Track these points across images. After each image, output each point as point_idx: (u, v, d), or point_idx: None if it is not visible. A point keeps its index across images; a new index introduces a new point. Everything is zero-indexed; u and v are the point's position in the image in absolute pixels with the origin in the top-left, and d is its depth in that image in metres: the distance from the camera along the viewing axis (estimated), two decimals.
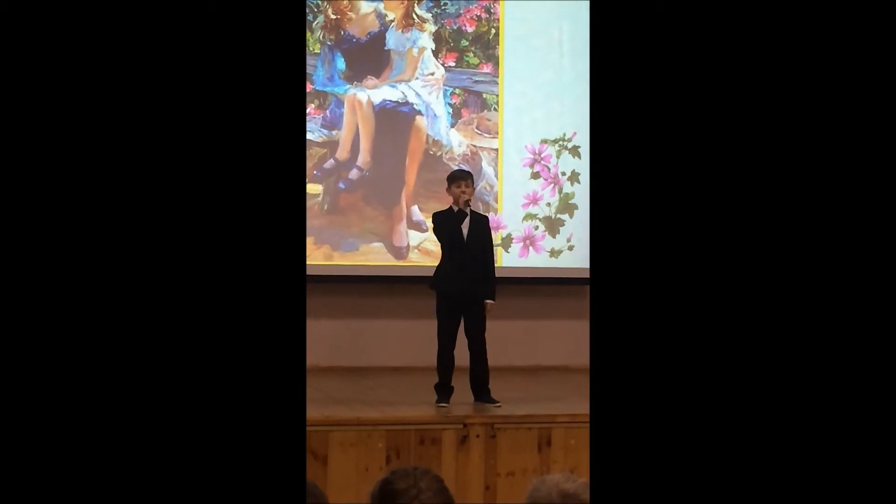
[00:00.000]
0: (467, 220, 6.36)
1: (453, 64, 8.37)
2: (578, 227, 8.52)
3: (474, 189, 6.59)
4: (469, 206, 6.42)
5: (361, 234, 8.22)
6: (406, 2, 8.28)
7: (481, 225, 6.49)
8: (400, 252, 8.25)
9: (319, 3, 8.12)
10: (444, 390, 6.37)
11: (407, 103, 8.29)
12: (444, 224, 6.41)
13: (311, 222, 8.10)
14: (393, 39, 8.28)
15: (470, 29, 8.39)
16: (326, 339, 8.19)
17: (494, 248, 6.66)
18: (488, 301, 6.42)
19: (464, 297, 6.36)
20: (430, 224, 8.11)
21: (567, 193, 8.55)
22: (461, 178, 6.43)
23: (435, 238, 6.65)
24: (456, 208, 6.37)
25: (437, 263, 6.57)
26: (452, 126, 8.37)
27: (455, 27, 8.36)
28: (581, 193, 8.53)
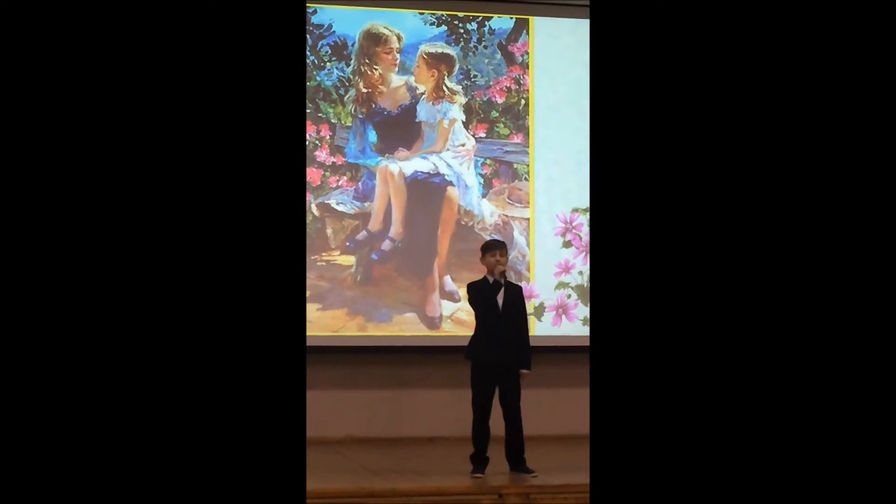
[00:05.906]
0: (502, 290, 6.38)
1: (484, 135, 8.44)
2: None
3: (508, 258, 6.60)
4: (504, 276, 6.43)
5: (395, 305, 8.24)
6: (436, 75, 8.38)
7: (516, 294, 6.50)
8: (433, 322, 8.26)
9: (351, 77, 8.23)
10: (479, 460, 6.35)
11: (438, 174, 8.36)
12: (479, 294, 6.41)
13: (345, 293, 8.13)
14: (424, 111, 8.37)
15: (500, 100, 8.47)
16: (360, 409, 8.18)
17: (528, 316, 6.65)
18: (524, 370, 6.42)
19: (499, 366, 6.35)
20: (462, 294, 8.13)
21: None
22: (495, 248, 6.45)
23: (468, 308, 6.66)
24: (491, 279, 6.38)
25: (470, 333, 6.57)
26: (484, 196, 8.42)
27: (485, 98, 8.44)
28: None
